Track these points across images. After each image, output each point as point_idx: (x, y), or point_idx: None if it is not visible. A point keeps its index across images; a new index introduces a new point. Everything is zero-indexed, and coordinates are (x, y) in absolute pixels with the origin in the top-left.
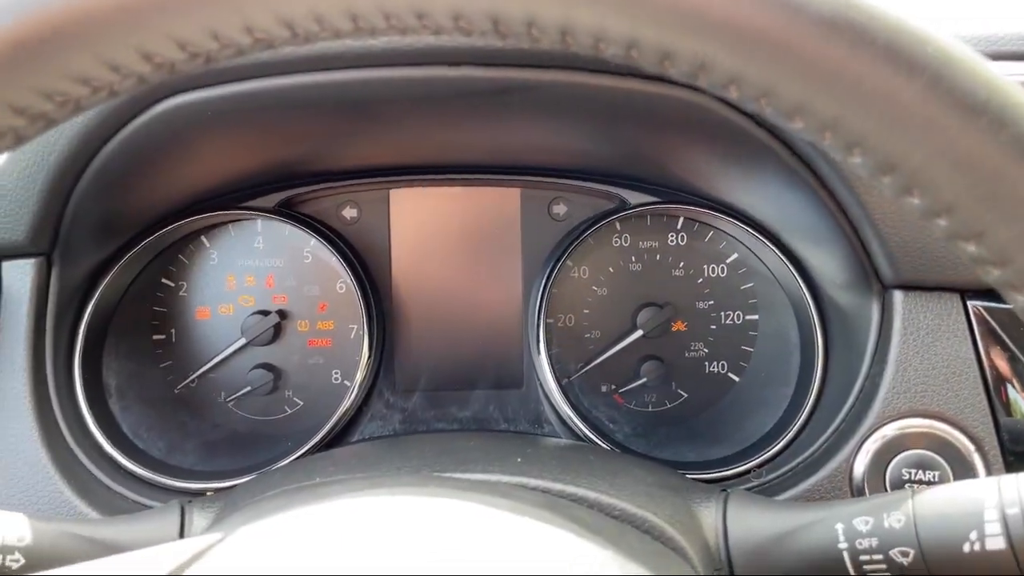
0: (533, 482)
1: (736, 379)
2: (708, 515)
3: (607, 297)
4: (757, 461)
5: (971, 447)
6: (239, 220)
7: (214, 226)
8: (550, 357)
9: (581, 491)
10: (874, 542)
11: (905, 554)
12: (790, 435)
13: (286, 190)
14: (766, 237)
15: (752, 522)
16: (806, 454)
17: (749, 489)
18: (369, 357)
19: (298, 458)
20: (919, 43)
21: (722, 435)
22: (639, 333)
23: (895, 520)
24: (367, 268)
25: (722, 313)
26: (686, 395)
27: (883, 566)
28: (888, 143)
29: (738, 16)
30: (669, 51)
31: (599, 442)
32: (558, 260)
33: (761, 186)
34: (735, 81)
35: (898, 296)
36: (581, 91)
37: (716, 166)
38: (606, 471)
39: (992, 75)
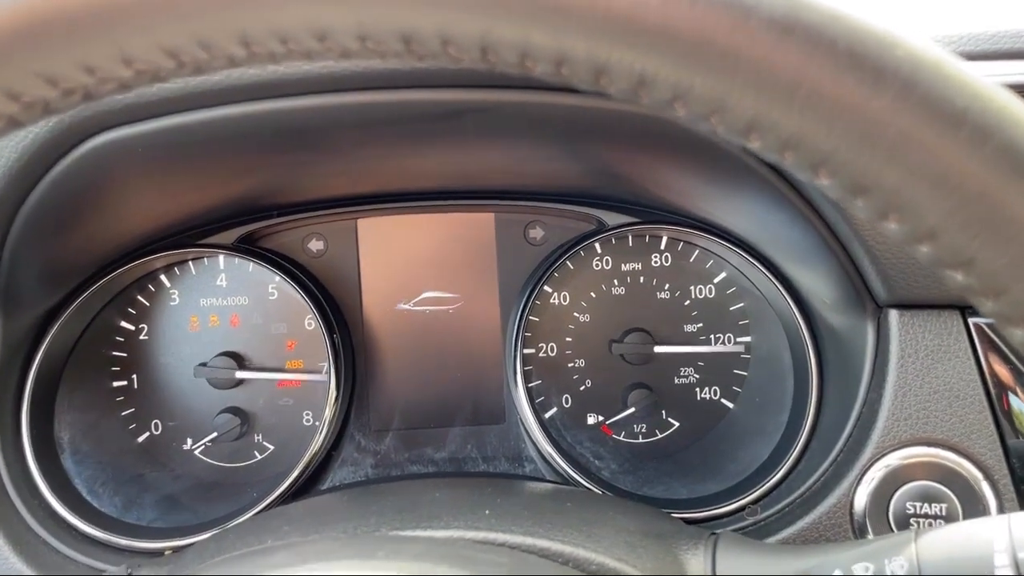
0: (501, 537)
1: (730, 406)
2: (695, 563)
3: (590, 324)
4: (751, 497)
5: (979, 476)
6: (199, 258)
7: (173, 265)
8: (529, 390)
9: (554, 545)
10: None
11: None
12: (785, 467)
13: (247, 224)
14: (752, 256)
15: (743, 569)
16: (803, 488)
17: (743, 529)
18: (337, 397)
19: (260, 512)
20: (886, 47)
21: (714, 468)
22: (624, 360)
23: (898, 566)
24: (335, 302)
25: (712, 336)
26: (678, 424)
27: None
28: (857, 162)
29: (677, 21)
30: (603, 66)
31: (583, 481)
32: (535, 286)
33: (743, 203)
34: (680, 97)
35: (894, 315)
36: (539, 112)
37: (694, 184)
38: (583, 520)
39: (971, 79)
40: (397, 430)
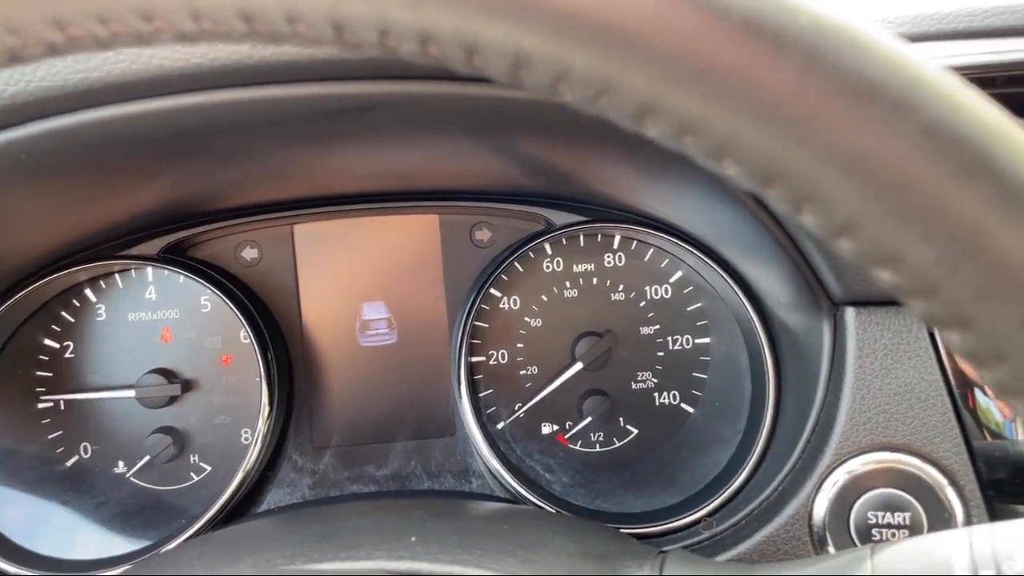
0: (425, 568)
1: (690, 410)
2: None
3: (542, 329)
4: (707, 509)
5: (944, 481)
6: (127, 270)
7: (98, 278)
8: (477, 400)
9: (484, 574)
10: None
11: None
12: (742, 477)
13: (173, 233)
14: (706, 254)
15: None
16: (760, 499)
17: (698, 543)
18: (270, 414)
19: (186, 540)
20: (787, 14)
21: (670, 478)
22: (579, 366)
23: None
24: (271, 314)
25: (669, 338)
26: (636, 431)
27: None
28: (763, 146)
29: None
30: (474, 45)
31: (531, 497)
32: (480, 290)
33: (690, 199)
34: (562, 79)
35: (850, 314)
36: (448, 103)
37: (638, 179)
38: (519, 544)
39: (888, 49)
40: (337, 447)
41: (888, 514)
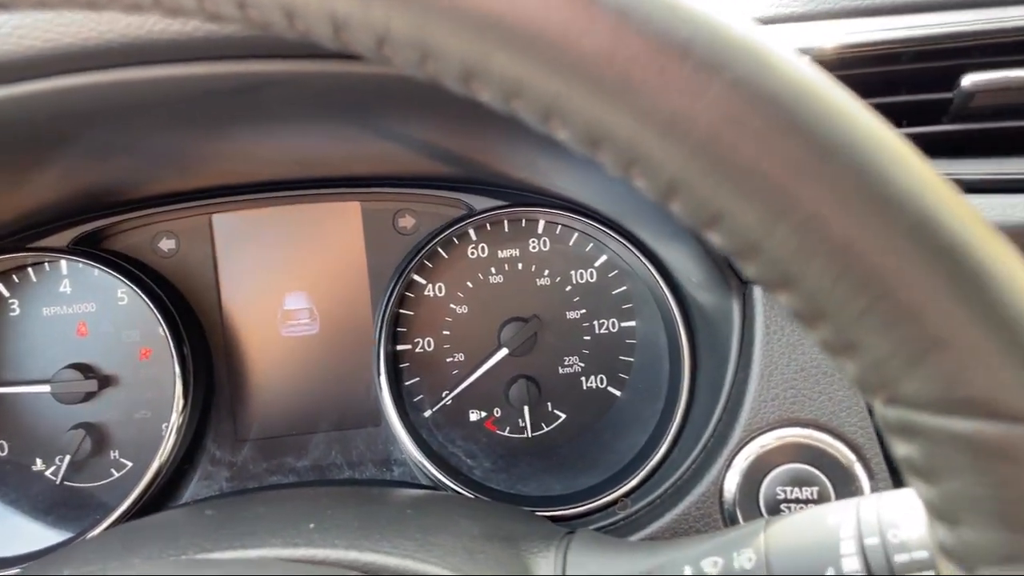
0: (320, 554)
1: (617, 394)
2: (544, 565)
3: (468, 315)
4: (624, 490)
5: (851, 456)
6: (39, 263)
7: (10, 272)
8: (397, 389)
9: (380, 559)
10: None
11: None
12: (658, 457)
13: (86, 223)
14: (623, 236)
15: (595, 570)
16: (674, 478)
17: (614, 523)
18: (185, 406)
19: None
20: None
21: (591, 461)
22: (504, 352)
23: (746, 559)
24: (190, 306)
25: (595, 322)
26: (564, 416)
27: None
28: (584, 108)
29: None
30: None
31: (451, 484)
32: (399, 278)
33: (600, 180)
34: (384, 41)
35: (758, 291)
36: (339, 83)
37: (547, 161)
38: (422, 528)
39: (699, 11)
40: (256, 440)
41: (796, 489)
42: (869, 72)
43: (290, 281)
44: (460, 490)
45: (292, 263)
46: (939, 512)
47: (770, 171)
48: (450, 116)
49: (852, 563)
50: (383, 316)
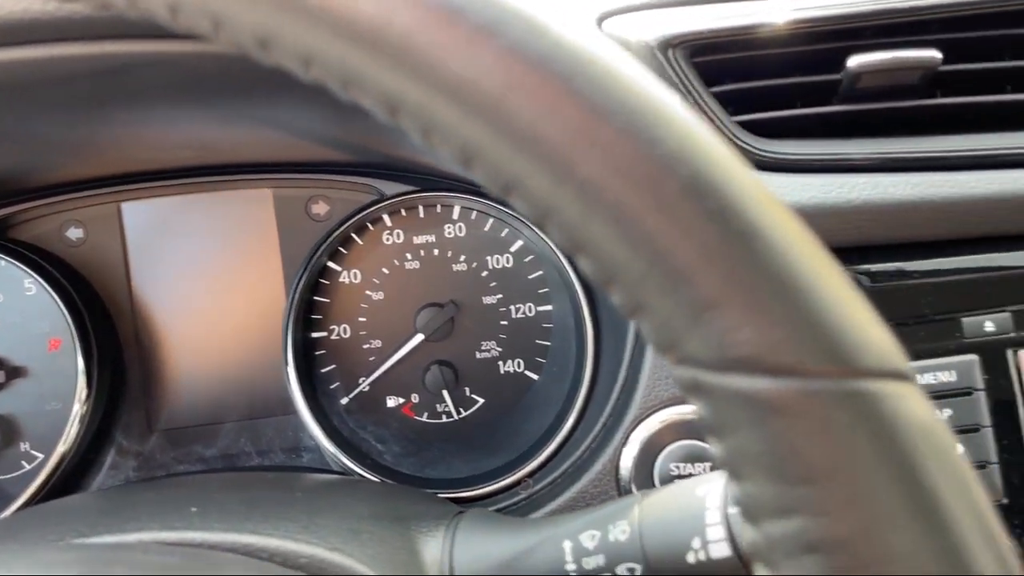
0: (198, 537)
1: (535, 377)
2: (433, 545)
3: (384, 302)
4: (527, 469)
5: None
6: None
7: None
8: (306, 376)
9: (259, 540)
10: (601, 560)
11: (632, 571)
12: (561, 436)
13: None
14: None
15: (480, 548)
16: (575, 456)
17: (516, 503)
18: (88, 397)
19: None
20: None
21: (500, 443)
22: (419, 337)
23: (620, 532)
24: (99, 296)
25: (512, 307)
26: (482, 400)
27: None
28: (376, 75)
29: None
30: None
31: (357, 468)
32: (308, 264)
33: None
34: (220, 26)
35: None
36: (203, 65)
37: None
38: (308, 510)
39: None
40: (165, 429)
41: (689, 465)
42: (761, 54)
43: (203, 270)
44: (366, 475)
45: (204, 251)
46: (728, 468)
47: (548, 135)
48: (335, 101)
49: (716, 532)
50: (292, 303)
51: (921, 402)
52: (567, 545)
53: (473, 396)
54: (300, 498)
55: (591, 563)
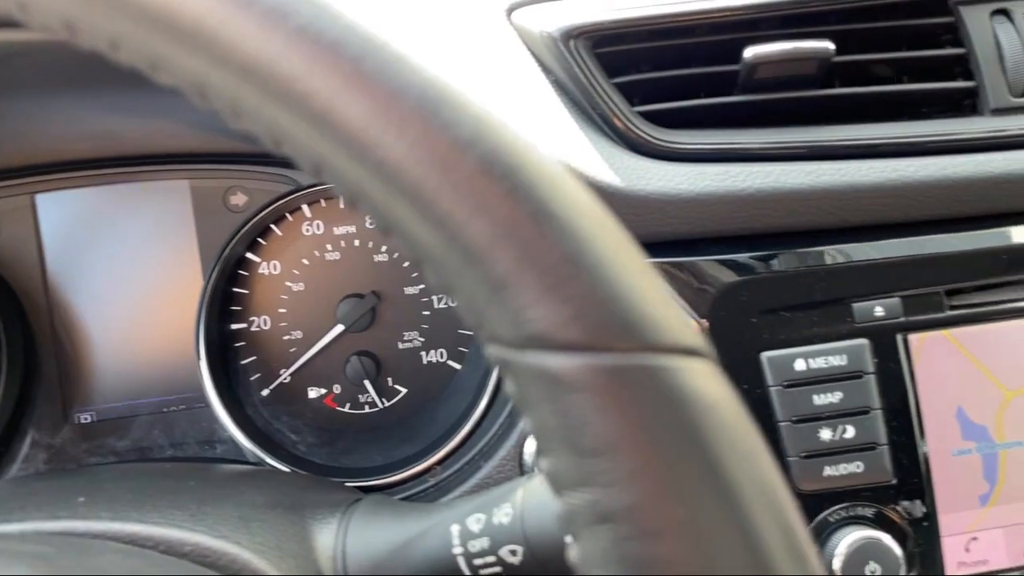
0: (82, 526)
1: (458, 367)
2: (327, 532)
3: (305, 293)
4: (438, 456)
5: None
6: None
7: None
8: (218, 367)
9: (143, 529)
10: (485, 542)
11: (514, 552)
12: (471, 422)
13: None
14: None
15: (373, 534)
16: (482, 442)
17: (425, 490)
18: (1, 390)
19: None
20: None
21: (414, 431)
22: (339, 328)
23: (504, 514)
24: (12, 288)
25: (434, 297)
26: (405, 390)
27: (497, 568)
28: (176, 59)
29: None
30: None
31: (269, 459)
32: (221, 254)
33: None
34: (71, 26)
35: None
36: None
37: None
38: (199, 499)
39: None
40: (76, 423)
41: None
42: (662, 45)
43: (120, 263)
44: (278, 465)
45: (121, 243)
46: (536, 442)
47: (344, 118)
48: None
49: None
50: (205, 294)
51: (709, 377)
52: (455, 529)
53: (396, 386)
54: (193, 487)
55: (476, 546)
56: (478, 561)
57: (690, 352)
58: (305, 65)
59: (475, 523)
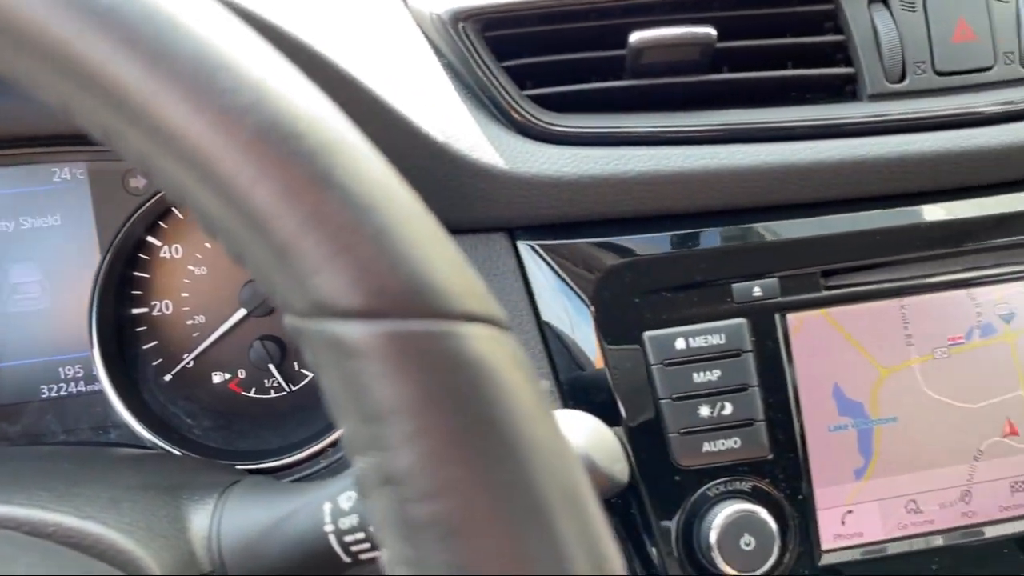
0: None
1: None
2: (203, 514)
3: (208, 277)
4: (331, 439)
5: None
6: None
7: None
8: (112, 352)
9: (7, 510)
10: (355, 520)
11: None
12: None
13: None
14: None
15: (248, 514)
16: None
17: (317, 471)
18: None
19: None
20: None
21: (309, 414)
22: (242, 312)
23: None
24: None
25: None
26: (312, 375)
27: (367, 545)
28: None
29: None
30: None
31: (162, 444)
32: (116, 236)
33: None
34: None
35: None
36: None
37: None
38: (71, 481)
39: None
40: None
41: None
42: (551, 29)
43: (17, 250)
44: (171, 449)
45: (18, 227)
46: (330, 409)
47: (118, 80)
48: None
49: None
50: (99, 277)
51: (491, 342)
52: (327, 507)
53: (302, 371)
54: (67, 469)
55: (347, 523)
56: (349, 538)
57: (472, 318)
58: (78, 28)
59: (346, 501)
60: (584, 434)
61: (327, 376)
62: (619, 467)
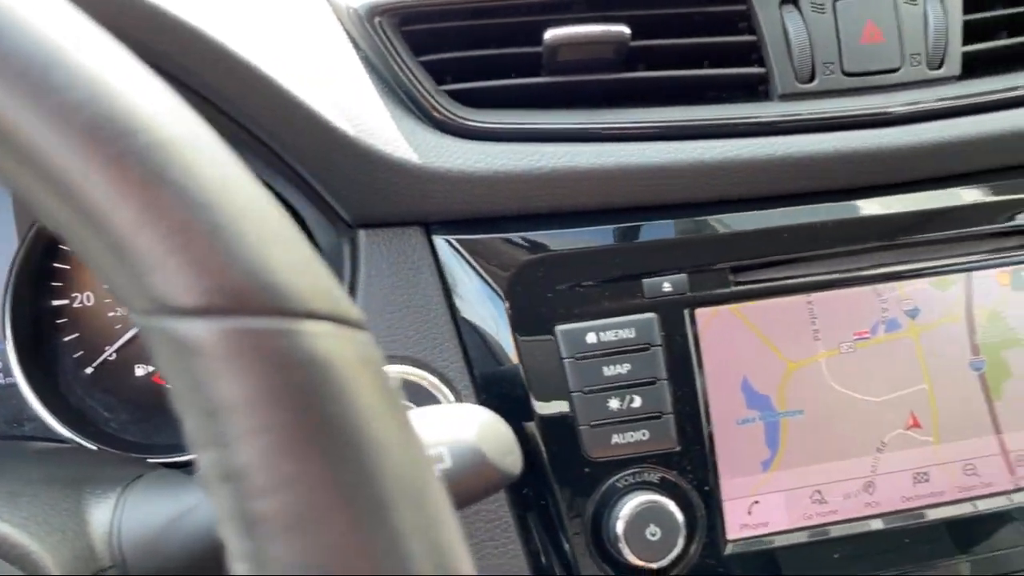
0: None
1: None
2: (105, 507)
3: None
4: None
5: (442, 386)
6: None
7: None
8: (25, 343)
9: None
10: None
11: None
12: None
13: None
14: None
15: (151, 507)
16: None
17: None
18: None
19: None
20: None
21: None
22: None
23: None
24: None
25: None
26: None
27: None
28: None
29: None
30: None
31: (75, 437)
32: (31, 227)
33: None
34: None
35: (362, 236)
36: None
37: None
38: None
39: None
40: None
41: None
42: (468, 25)
43: None
44: (86, 443)
45: None
46: (173, 403)
47: None
48: None
49: None
50: (13, 267)
51: (332, 340)
52: None
53: None
54: None
55: None
56: None
57: (315, 316)
58: None
59: None
60: (476, 427)
61: (168, 372)
62: (511, 459)
